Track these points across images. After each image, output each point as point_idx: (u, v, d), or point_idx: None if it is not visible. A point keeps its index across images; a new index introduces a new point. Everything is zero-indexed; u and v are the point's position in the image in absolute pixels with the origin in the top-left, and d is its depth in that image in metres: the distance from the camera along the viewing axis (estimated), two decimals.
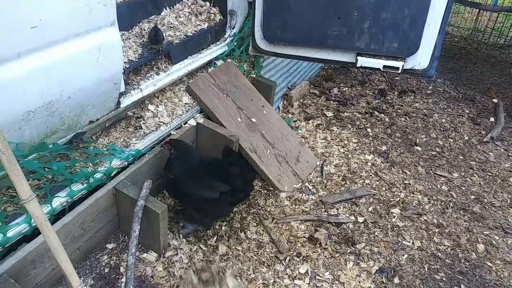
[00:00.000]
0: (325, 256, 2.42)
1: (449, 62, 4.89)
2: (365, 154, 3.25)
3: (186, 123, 2.74)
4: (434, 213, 2.78)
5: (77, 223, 2.10)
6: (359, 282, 2.30)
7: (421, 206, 2.82)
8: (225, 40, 3.17)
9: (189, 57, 2.89)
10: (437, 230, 2.66)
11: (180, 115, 2.71)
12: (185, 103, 2.79)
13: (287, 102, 3.71)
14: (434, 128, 3.64)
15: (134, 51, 2.56)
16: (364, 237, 2.56)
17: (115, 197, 2.27)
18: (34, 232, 1.94)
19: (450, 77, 4.59)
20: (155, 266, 2.29)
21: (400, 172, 3.11)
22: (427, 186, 3.00)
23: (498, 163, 3.30)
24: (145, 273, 2.25)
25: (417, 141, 3.47)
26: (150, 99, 2.68)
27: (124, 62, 2.44)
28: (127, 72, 2.46)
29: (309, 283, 2.26)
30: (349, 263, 2.40)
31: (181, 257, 2.33)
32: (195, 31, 2.93)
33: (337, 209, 2.74)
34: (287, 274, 2.29)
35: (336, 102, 3.83)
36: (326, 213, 2.69)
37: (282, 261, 2.35)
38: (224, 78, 3.01)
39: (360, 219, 2.67)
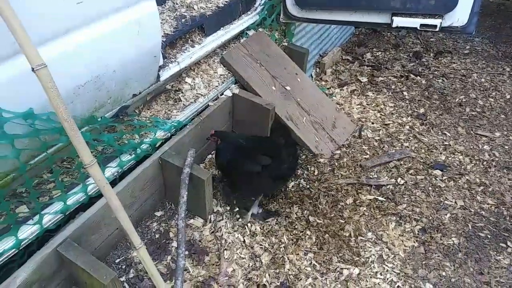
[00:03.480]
0: (367, 217, 2.46)
1: (486, 20, 4.67)
2: (402, 117, 3.20)
3: (222, 94, 2.79)
4: (477, 173, 2.74)
5: (128, 192, 2.21)
6: (402, 241, 2.33)
7: (463, 167, 2.79)
8: (255, 9, 3.16)
9: (222, 28, 2.90)
10: (480, 189, 2.63)
11: (216, 86, 2.76)
12: (220, 75, 2.83)
13: (320, 70, 3.68)
14: (473, 88, 3.54)
15: (170, 25, 2.60)
16: (405, 199, 2.56)
17: (161, 167, 2.37)
18: (91, 201, 2.07)
19: (488, 35, 4.40)
20: (202, 231, 2.39)
21: (439, 133, 3.06)
22: (468, 146, 2.95)
23: None
24: (193, 237, 2.36)
25: (456, 102, 3.39)
26: (187, 72, 2.74)
27: (161, 36, 2.50)
28: (164, 46, 2.51)
29: (350, 242, 2.31)
30: (391, 223, 2.42)
31: (226, 222, 2.43)
32: (226, 1, 2.93)
33: (377, 172, 2.75)
34: (331, 235, 2.35)
35: (370, 67, 3.76)
36: (365, 177, 2.71)
37: (324, 222, 2.41)
38: (257, 48, 3.01)
39: (401, 181, 2.67)
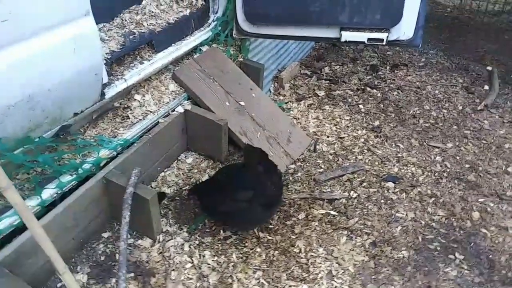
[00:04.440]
0: (319, 232, 2.44)
1: (442, 33, 4.80)
2: (357, 130, 3.23)
3: (174, 110, 2.76)
4: (428, 184, 2.77)
5: (69, 213, 2.13)
6: (352, 255, 2.31)
7: (415, 178, 2.82)
8: (209, 25, 3.15)
9: (173, 44, 2.87)
10: (431, 200, 2.66)
11: (167, 102, 2.72)
12: (172, 91, 2.79)
13: (278, 84, 3.70)
14: (427, 100, 3.61)
15: (116, 42, 2.56)
16: (357, 212, 2.56)
17: (106, 187, 2.31)
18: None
19: (443, 48, 4.52)
20: (150, 252, 2.32)
21: (393, 146, 3.09)
22: (420, 158, 2.99)
23: (493, 130, 3.26)
24: (140, 258, 2.28)
25: (410, 114, 3.44)
26: (136, 89, 2.69)
27: (106, 53, 2.45)
28: (110, 63, 2.46)
29: (301, 259, 2.28)
30: (342, 238, 2.41)
31: (175, 242, 2.37)
32: (177, 18, 2.91)
33: (331, 186, 2.75)
34: (281, 252, 2.32)
35: (328, 81, 3.80)
36: (319, 191, 2.70)
37: (275, 239, 2.38)
38: (210, 64, 3.00)
39: (354, 195, 2.68)
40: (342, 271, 2.24)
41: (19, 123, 1.88)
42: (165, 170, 2.79)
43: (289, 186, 2.71)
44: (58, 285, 2.12)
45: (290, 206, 2.57)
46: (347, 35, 2.75)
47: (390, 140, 3.14)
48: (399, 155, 3.00)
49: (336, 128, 3.24)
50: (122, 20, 2.75)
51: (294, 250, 2.33)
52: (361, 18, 2.69)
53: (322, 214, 2.53)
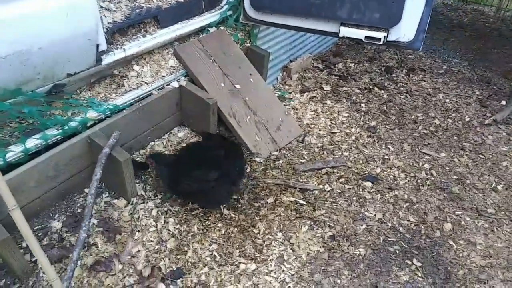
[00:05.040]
0: (282, 218, 2.50)
1: (475, 42, 4.59)
2: (352, 128, 3.22)
3: (169, 84, 2.90)
4: (407, 189, 2.73)
5: (51, 164, 2.34)
6: (308, 244, 2.36)
7: (395, 182, 2.78)
8: (221, 8, 3.26)
9: (179, 22, 3.02)
10: (405, 205, 2.62)
11: (164, 76, 2.87)
12: (171, 66, 2.94)
13: (286, 74, 3.74)
14: (434, 107, 3.50)
15: (122, 14, 2.73)
16: (326, 205, 2.59)
17: (90, 146, 2.50)
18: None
19: (470, 57, 4.33)
20: (122, 212, 2.50)
21: (383, 147, 3.06)
22: (407, 163, 2.94)
23: (495, 146, 3.12)
24: (112, 216, 2.47)
25: (412, 119, 3.36)
26: (138, 60, 2.86)
27: (108, 23, 2.64)
28: (111, 32, 2.64)
29: (257, 239, 2.36)
30: (304, 227, 2.46)
31: (146, 206, 2.53)
32: None
33: (308, 177, 2.78)
34: (240, 230, 2.41)
35: (338, 77, 3.79)
36: (294, 180, 2.75)
37: (238, 217, 2.47)
38: (214, 45, 3.11)
39: (328, 188, 2.70)
40: (294, 257, 2.29)
41: (10, 75, 2.09)
42: (155, 140, 2.96)
43: (267, 171, 2.79)
44: (35, 228, 2.37)
45: (261, 190, 2.65)
46: (345, 31, 2.75)
47: (382, 141, 3.11)
48: (386, 157, 2.96)
49: (331, 123, 3.25)
50: None
51: (254, 230, 2.41)
52: (360, 15, 2.67)
53: (290, 201, 2.59)
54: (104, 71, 2.69)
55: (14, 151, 2.22)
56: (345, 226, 2.47)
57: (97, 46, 2.48)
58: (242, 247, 2.33)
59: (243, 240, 2.36)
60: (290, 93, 3.57)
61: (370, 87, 3.69)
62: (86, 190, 2.62)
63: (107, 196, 2.58)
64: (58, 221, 2.42)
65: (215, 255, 2.28)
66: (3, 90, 2.09)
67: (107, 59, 2.61)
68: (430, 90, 3.72)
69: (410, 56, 4.18)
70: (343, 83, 3.72)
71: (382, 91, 3.64)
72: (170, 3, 2.96)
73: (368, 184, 2.74)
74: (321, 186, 2.70)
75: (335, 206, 2.59)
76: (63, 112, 2.44)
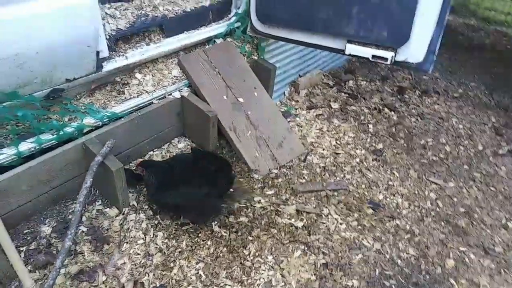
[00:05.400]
0: (275, 241, 2.40)
1: (495, 66, 4.41)
2: (357, 149, 3.10)
3: (170, 94, 2.86)
4: (410, 219, 2.60)
5: (44, 168, 2.31)
6: (300, 271, 2.25)
7: (398, 210, 2.65)
8: (229, 19, 3.21)
9: (185, 32, 2.98)
10: (406, 236, 2.49)
11: (165, 86, 2.82)
12: (174, 76, 2.90)
13: (294, 89, 3.66)
14: (446, 133, 3.36)
15: (127, 21, 2.71)
16: (322, 230, 2.48)
17: (85, 153, 2.47)
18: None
19: (488, 82, 4.16)
20: (112, 221, 2.44)
21: (388, 172, 2.93)
22: (412, 190, 2.80)
23: (508, 179, 2.95)
24: (102, 225, 2.42)
25: (421, 143, 3.23)
26: (140, 68, 2.83)
27: (111, 30, 2.62)
28: (114, 40, 2.62)
29: (246, 261, 2.26)
30: (297, 251, 2.35)
31: (137, 217, 2.47)
32: (195, 7, 3.01)
33: (306, 198, 2.68)
34: (230, 250, 2.32)
35: (347, 95, 3.68)
36: (291, 200, 2.64)
37: (229, 236, 2.39)
38: (220, 56, 3.05)
39: (325, 212, 2.59)
40: (283, 283, 2.19)
41: (7, 78, 2.08)
42: (154, 150, 2.91)
43: (264, 189, 2.70)
44: (25, 231, 2.34)
45: (255, 209, 2.56)
46: (351, 48, 2.66)
47: (387, 166, 2.98)
48: (391, 183, 2.84)
49: (336, 143, 3.14)
50: (141, 2, 2.91)
51: (244, 251, 2.32)
52: (367, 32, 2.58)
53: (285, 223, 2.49)
54: (105, 77, 2.66)
55: (6, 154, 2.21)
56: (340, 254, 2.35)
57: (98, 52, 2.46)
58: (230, 268, 2.23)
59: (231, 261, 2.26)
60: (296, 109, 3.48)
61: (380, 107, 3.57)
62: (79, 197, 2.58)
63: (100, 204, 2.54)
64: (48, 226, 2.38)
65: (201, 275, 2.19)
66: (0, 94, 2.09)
67: (108, 66, 2.59)
68: (443, 114, 3.57)
69: (425, 77, 4.05)
70: (352, 102, 3.61)
71: (392, 113, 3.52)
72: (176, 13, 2.93)
73: (369, 210, 2.62)
74: (318, 210, 2.59)
75: (331, 232, 2.47)
76: (59, 117, 2.42)
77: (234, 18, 3.19)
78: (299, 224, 2.50)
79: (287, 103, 3.55)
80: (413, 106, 3.62)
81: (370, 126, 3.34)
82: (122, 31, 2.65)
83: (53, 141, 2.37)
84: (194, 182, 2.34)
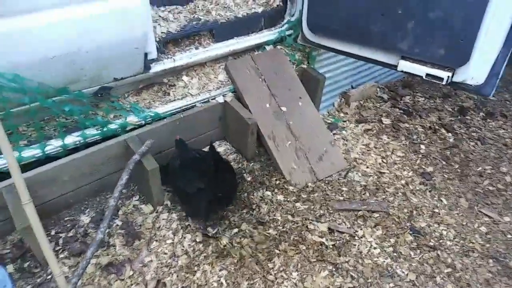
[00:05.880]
0: (302, 257, 2.31)
1: None
2: (404, 170, 2.91)
3: (214, 99, 2.88)
4: (453, 253, 2.37)
5: (87, 161, 2.44)
6: None
7: (441, 241, 2.44)
8: (281, 27, 3.17)
9: (235, 38, 3.00)
10: (446, 271, 2.28)
11: (210, 90, 2.85)
12: (220, 81, 2.92)
13: (344, 101, 3.52)
14: (509, 161, 3.03)
15: (178, 25, 2.78)
16: (353, 252, 2.35)
17: (126, 149, 2.56)
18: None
19: None
20: (146, 218, 2.52)
21: (435, 198, 2.71)
22: (461, 221, 2.56)
23: None
24: (135, 220, 2.50)
25: (477, 171, 2.95)
26: (188, 71, 2.89)
27: (162, 32, 2.69)
28: (164, 42, 2.70)
29: (269, 275, 2.21)
30: (323, 271, 2.25)
31: (168, 217, 2.51)
32: (247, 13, 3.01)
33: (342, 217, 2.56)
34: (255, 261, 2.28)
35: (401, 111, 3.47)
36: (325, 217, 2.54)
37: (256, 247, 2.35)
38: (267, 64, 3.02)
39: (360, 233, 2.45)
40: None
41: (58, 75, 2.21)
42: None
43: (297, 203, 2.62)
44: (65, 218, 2.48)
45: (286, 222, 2.49)
46: (404, 65, 2.50)
47: (435, 191, 2.76)
48: (437, 210, 2.62)
49: (382, 161, 2.97)
50: (195, 6, 2.97)
51: (269, 264, 2.27)
52: (423, 49, 2.40)
53: (315, 241, 2.39)
54: (152, 78, 2.75)
55: (53, 145, 2.36)
56: (369, 281, 2.21)
57: (146, 54, 2.55)
58: (252, 279, 2.19)
59: (254, 273, 2.22)
60: (344, 121, 3.35)
61: (436, 127, 3.32)
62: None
63: (137, 200, 2.63)
64: (87, 216, 2.51)
65: (222, 282, 2.17)
66: (50, 88, 2.23)
67: (155, 68, 2.67)
68: (508, 140, 3.23)
69: (492, 98, 3.70)
70: (406, 119, 3.40)
71: (450, 134, 3.25)
72: (228, 18, 2.95)
73: (408, 237, 2.44)
74: (352, 230, 2.47)
75: (363, 255, 2.34)
76: (104, 114, 2.53)
77: (286, 26, 3.14)
78: (330, 243, 2.39)
79: (335, 114, 3.43)
80: (474, 129, 3.32)
81: (422, 146, 3.12)
82: (172, 34, 2.72)
83: (97, 137, 2.49)
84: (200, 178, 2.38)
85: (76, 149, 2.46)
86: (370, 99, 3.60)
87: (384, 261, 2.31)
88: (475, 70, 2.31)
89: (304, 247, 2.37)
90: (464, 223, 2.55)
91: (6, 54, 1.97)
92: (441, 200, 2.69)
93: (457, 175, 2.89)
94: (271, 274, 2.22)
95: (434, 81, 2.43)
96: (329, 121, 3.34)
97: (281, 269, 2.25)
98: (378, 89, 3.73)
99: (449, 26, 2.26)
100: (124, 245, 2.37)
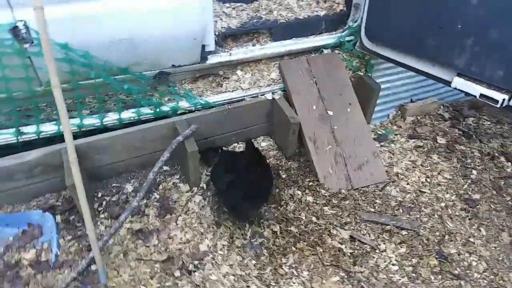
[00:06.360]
0: (317, 259, 2.34)
1: None
2: (447, 193, 2.76)
3: (264, 95, 2.99)
4: (478, 286, 2.22)
5: (138, 136, 2.70)
6: None
7: (468, 271, 2.29)
8: (342, 32, 3.18)
9: (293, 38, 3.07)
10: None
11: (261, 86, 2.97)
12: (272, 78, 3.02)
13: (400, 114, 3.41)
14: None
15: (239, 21, 2.94)
16: (370, 265, 2.31)
17: (174, 131, 2.78)
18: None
19: None
20: (181, 196, 2.72)
21: (474, 227, 2.54)
22: (496, 256, 2.38)
23: None
24: (172, 196, 2.72)
25: None
26: (243, 66, 3.04)
27: (222, 27, 2.87)
28: (223, 36, 2.88)
29: (279, 269, 2.28)
30: (335, 277, 2.26)
31: (200, 199, 2.69)
32: (308, 16, 3.08)
33: (368, 228, 2.52)
34: (270, 253, 2.37)
35: (461, 132, 3.27)
36: (350, 226, 2.52)
37: (277, 242, 2.43)
38: (321, 67, 3.06)
39: (382, 248, 2.41)
40: None
41: (122, 56, 2.49)
42: (239, 143, 3.10)
43: (325, 207, 2.63)
44: (113, 184, 2.79)
45: (310, 223, 2.53)
46: (458, 82, 2.39)
47: (476, 220, 2.58)
48: (472, 239, 2.45)
49: (425, 180, 2.84)
50: (260, 5, 3.11)
51: (282, 259, 2.34)
52: (480, 68, 2.28)
53: (333, 245, 2.40)
54: (209, 69, 2.95)
55: (111, 118, 2.66)
56: None
57: (203, 46, 2.75)
58: (263, 269, 2.28)
59: (266, 264, 2.31)
60: (396, 135, 3.25)
61: (496, 154, 3.07)
62: (164, 168, 2.93)
63: (177, 178, 2.85)
64: (132, 185, 2.78)
65: (233, 265, 2.30)
66: (114, 67, 2.52)
67: (212, 59, 2.86)
68: None
69: None
70: (464, 141, 3.19)
71: (509, 163, 2.99)
72: (288, 19, 3.04)
73: (433, 261, 2.33)
74: (375, 243, 2.43)
75: (379, 270, 2.29)
76: (159, 96, 2.78)
77: (346, 31, 3.14)
78: (348, 251, 2.39)
79: (388, 126, 3.34)
80: None
81: (474, 172, 2.92)
82: (232, 29, 2.89)
83: (150, 116, 2.75)
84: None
85: (130, 124, 2.75)
86: (429, 115, 3.44)
87: (400, 279, 2.25)
88: None
89: (321, 250, 2.39)
90: (500, 258, 2.37)
91: (79, 35, 2.29)
92: (480, 230, 2.52)
93: (506, 208, 2.67)
94: (282, 268, 2.30)
95: (489, 102, 2.29)
96: (380, 133, 3.27)
97: (294, 266, 2.31)
98: (441, 107, 3.55)
99: (510, 46, 2.12)
100: (156, 216, 2.60)
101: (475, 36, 2.25)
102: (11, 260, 2.27)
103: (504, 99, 2.21)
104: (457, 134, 3.27)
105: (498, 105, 2.24)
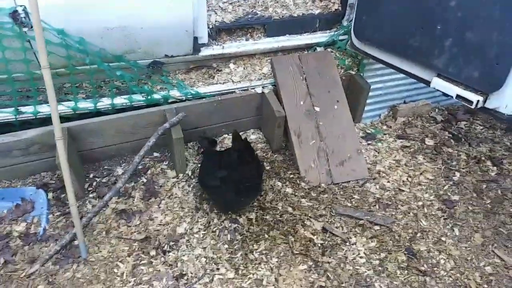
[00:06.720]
0: (287, 248, 2.42)
1: None
2: (426, 193, 2.79)
3: (253, 89, 3.08)
4: (442, 283, 2.26)
5: (130, 122, 2.84)
6: (294, 283, 2.24)
7: (435, 268, 2.33)
8: (336, 31, 3.23)
9: (287, 35, 3.15)
10: None
11: (251, 80, 3.07)
12: (263, 73, 3.12)
13: (392, 114, 3.44)
14: None
15: (233, 16, 3.04)
16: (338, 256, 2.38)
17: (164, 118, 2.91)
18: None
19: None
20: (167, 181, 2.85)
21: (448, 227, 2.56)
22: (466, 256, 2.40)
23: None
24: (158, 181, 2.85)
25: (510, 211, 2.69)
26: (236, 60, 3.14)
27: (215, 21, 2.98)
28: (216, 30, 2.99)
29: (250, 255, 2.38)
30: (302, 265, 2.34)
31: (184, 186, 2.81)
32: (303, 14, 3.15)
33: (341, 221, 2.58)
34: (243, 239, 2.47)
35: (451, 135, 3.27)
36: (324, 218, 2.59)
37: (251, 229, 2.53)
38: (312, 64, 3.13)
39: (352, 241, 2.47)
40: (272, 287, 2.22)
41: (116, 44, 2.64)
42: (229, 134, 3.20)
43: (303, 200, 2.71)
44: (105, 166, 2.94)
45: (285, 213, 2.61)
46: (437, 82, 2.42)
47: (451, 220, 2.60)
48: (444, 238, 2.48)
49: (406, 179, 2.88)
50: (256, 1, 3.19)
51: (254, 245, 2.43)
52: (457, 69, 2.31)
53: (305, 236, 2.48)
54: (202, 61, 3.06)
55: (104, 103, 2.81)
56: (343, 285, 2.24)
57: (196, 38, 2.86)
58: (234, 254, 2.38)
59: (238, 249, 2.41)
60: (384, 134, 3.29)
61: (483, 158, 3.07)
62: (155, 154, 3.07)
63: (165, 164, 2.97)
64: (122, 169, 2.93)
65: (206, 248, 2.41)
66: (109, 54, 2.66)
67: (205, 52, 2.97)
68: None
69: None
70: (452, 144, 3.20)
71: (494, 168, 2.98)
72: (282, 16, 3.12)
73: (401, 256, 2.38)
74: (346, 236, 2.49)
75: (347, 261, 2.36)
76: (151, 84, 2.91)
77: (340, 30, 3.20)
78: (319, 241, 2.46)
79: (378, 126, 3.38)
80: None
81: (458, 174, 2.93)
82: (225, 23, 3.00)
83: (142, 102, 2.89)
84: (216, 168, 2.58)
85: (122, 110, 2.89)
86: (420, 117, 3.46)
87: (365, 272, 2.31)
88: (510, 98, 2.16)
89: (293, 239, 2.48)
90: (469, 258, 2.39)
91: (75, 22, 2.44)
92: (453, 230, 2.55)
93: (484, 211, 2.68)
94: (252, 254, 2.39)
95: (463, 103, 2.31)
96: (369, 131, 3.31)
97: (264, 252, 2.40)
98: (436, 110, 3.56)
99: (486, 50, 2.15)
100: (141, 199, 2.73)
101: (453, 38, 2.28)
102: (3, 232, 2.45)
103: (478, 100, 2.23)
104: (447, 137, 3.28)
105: (473, 106, 2.26)
